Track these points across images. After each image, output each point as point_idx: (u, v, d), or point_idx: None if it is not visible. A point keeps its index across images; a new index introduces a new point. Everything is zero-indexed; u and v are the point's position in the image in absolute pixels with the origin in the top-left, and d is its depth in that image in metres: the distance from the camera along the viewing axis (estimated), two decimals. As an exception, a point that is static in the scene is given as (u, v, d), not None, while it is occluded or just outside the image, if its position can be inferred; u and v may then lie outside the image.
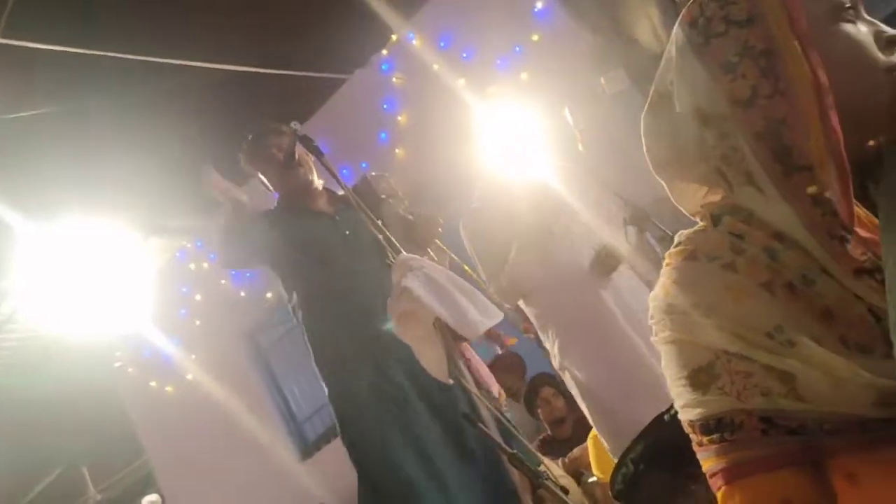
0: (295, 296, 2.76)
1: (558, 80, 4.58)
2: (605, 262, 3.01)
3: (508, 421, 2.45)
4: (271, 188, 2.83)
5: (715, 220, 1.05)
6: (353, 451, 2.56)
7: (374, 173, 2.75)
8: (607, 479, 2.79)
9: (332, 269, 2.63)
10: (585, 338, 2.95)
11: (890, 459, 0.87)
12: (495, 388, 2.85)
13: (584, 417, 3.17)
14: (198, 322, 6.94)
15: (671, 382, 1.03)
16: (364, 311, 2.59)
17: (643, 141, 1.12)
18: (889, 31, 0.97)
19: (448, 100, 4.84)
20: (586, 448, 3.74)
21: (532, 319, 3.15)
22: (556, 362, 3.06)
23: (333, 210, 2.76)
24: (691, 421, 0.99)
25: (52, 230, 5.19)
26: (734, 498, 0.94)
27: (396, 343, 2.46)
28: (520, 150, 3.18)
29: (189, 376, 6.91)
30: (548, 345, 3.09)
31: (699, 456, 1.00)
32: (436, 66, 5.40)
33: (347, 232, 2.66)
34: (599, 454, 3.52)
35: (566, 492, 2.06)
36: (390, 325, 2.48)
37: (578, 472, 3.94)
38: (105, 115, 4.74)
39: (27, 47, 4.03)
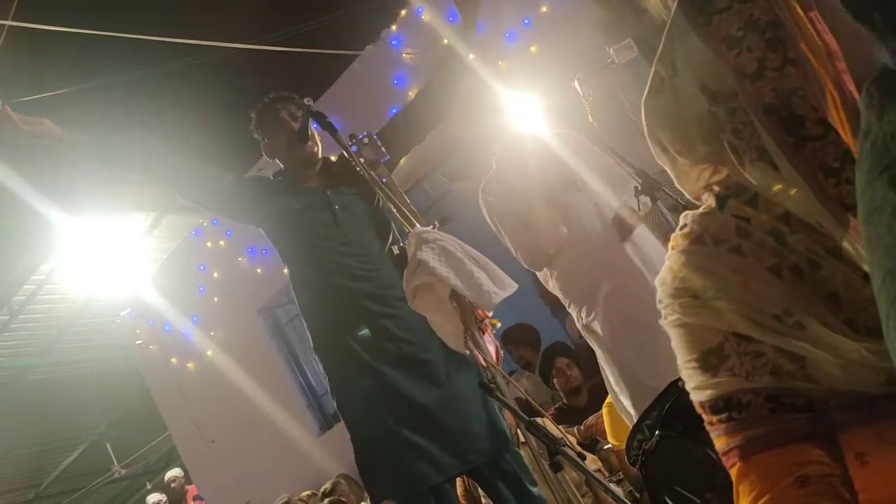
0: (287, 271, 2.75)
1: (567, 51, 4.55)
2: (624, 224, 3.02)
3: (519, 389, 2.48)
4: (275, 157, 2.76)
5: (720, 202, 1.04)
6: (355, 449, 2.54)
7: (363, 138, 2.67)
8: (622, 445, 2.84)
9: (321, 250, 2.59)
10: (612, 297, 2.91)
11: None
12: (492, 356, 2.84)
13: (599, 386, 3.16)
14: (216, 299, 6.99)
15: (681, 365, 1.05)
16: (353, 296, 2.55)
17: (644, 125, 1.11)
18: None
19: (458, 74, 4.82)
20: (601, 416, 3.77)
21: (555, 286, 3.09)
22: (580, 325, 3.02)
23: (324, 185, 2.71)
24: (701, 402, 1.01)
25: (74, 212, 5.22)
26: (748, 475, 0.95)
27: (386, 324, 2.50)
28: (531, 121, 3.18)
29: (209, 352, 6.98)
30: (572, 311, 3.07)
31: (712, 435, 1.02)
32: (445, 41, 5.38)
33: (337, 207, 2.64)
34: (614, 422, 3.55)
35: (583, 458, 2.10)
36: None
37: (594, 439, 3.98)
38: (122, 94, 4.76)
39: (42, 29, 4.04)
